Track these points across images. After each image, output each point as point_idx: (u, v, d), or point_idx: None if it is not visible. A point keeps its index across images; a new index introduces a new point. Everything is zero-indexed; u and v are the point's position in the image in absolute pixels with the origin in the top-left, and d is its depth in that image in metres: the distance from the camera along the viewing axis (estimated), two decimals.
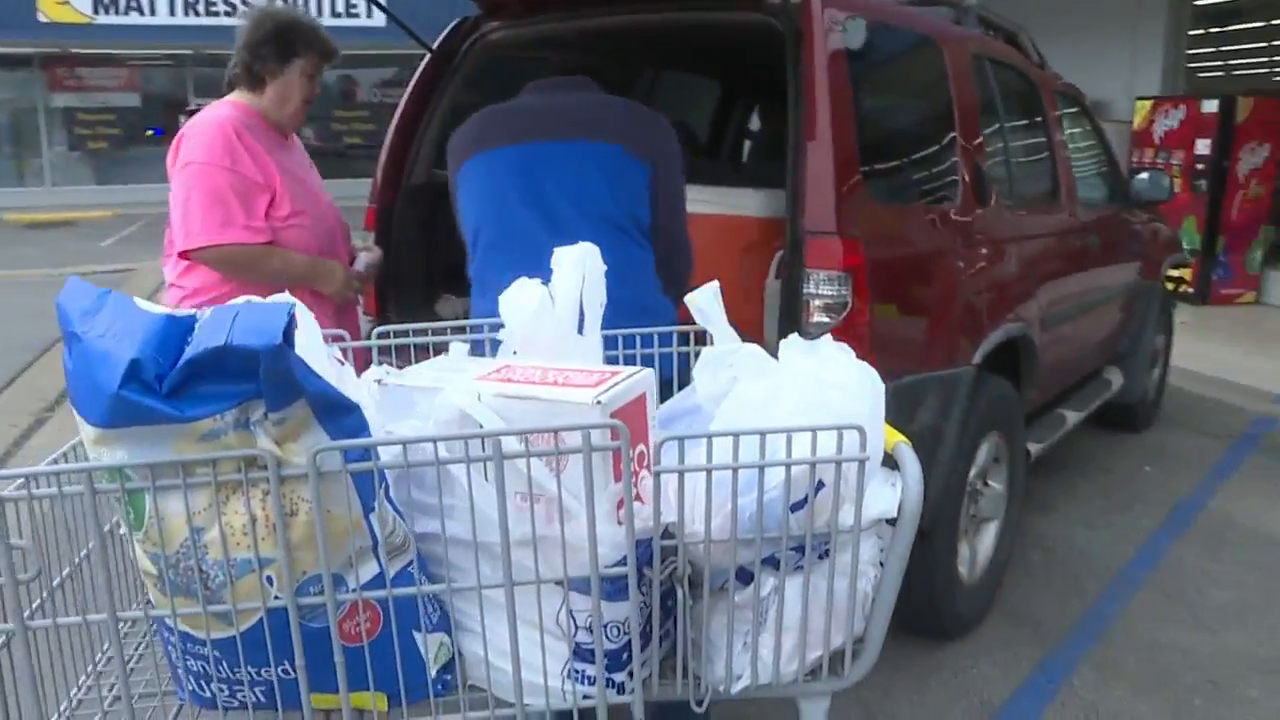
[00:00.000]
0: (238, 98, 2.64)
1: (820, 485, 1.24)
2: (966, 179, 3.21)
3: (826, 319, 2.58)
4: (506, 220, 2.40)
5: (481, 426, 1.18)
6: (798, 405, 1.33)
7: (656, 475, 1.17)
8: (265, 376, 1.01)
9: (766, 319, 3.03)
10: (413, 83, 3.35)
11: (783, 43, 2.76)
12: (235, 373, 1.02)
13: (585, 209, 2.34)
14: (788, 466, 1.21)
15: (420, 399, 1.25)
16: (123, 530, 1.17)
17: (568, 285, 1.39)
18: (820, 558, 1.28)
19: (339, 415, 1.09)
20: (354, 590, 1.12)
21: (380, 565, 1.14)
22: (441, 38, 3.35)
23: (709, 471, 1.19)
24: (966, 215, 3.19)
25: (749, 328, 2.83)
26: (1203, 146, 8.67)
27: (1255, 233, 8.86)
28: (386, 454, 1.12)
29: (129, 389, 1.00)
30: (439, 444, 1.13)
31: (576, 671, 1.23)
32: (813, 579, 1.28)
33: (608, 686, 1.20)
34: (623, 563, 1.18)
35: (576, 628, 1.22)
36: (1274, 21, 12.85)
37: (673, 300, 2.45)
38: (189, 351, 1.00)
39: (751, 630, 1.28)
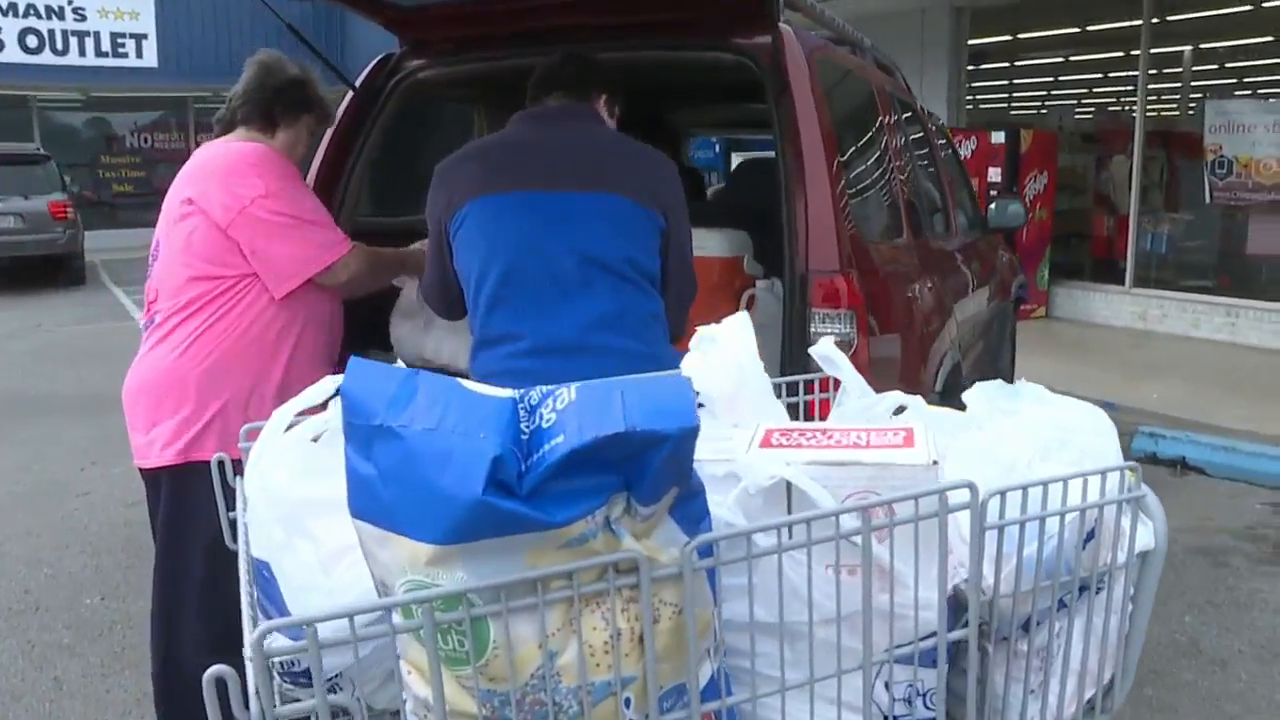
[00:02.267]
0: (246, 137, 2.50)
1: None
2: (905, 212, 3.30)
3: None
4: (512, 273, 2.23)
5: (790, 497, 1.06)
6: (1038, 450, 1.29)
7: (982, 532, 1.09)
8: (665, 465, 0.85)
9: None
10: (335, 123, 3.08)
11: (744, 80, 2.74)
12: (606, 463, 0.85)
13: (593, 262, 2.22)
14: (1082, 511, 1.17)
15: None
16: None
17: (746, 344, 1.28)
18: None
19: (689, 500, 0.94)
20: (712, 699, 0.97)
21: (713, 667, 0.99)
22: (364, 75, 3.12)
23: (1023, 524, 1.13)
24: (912, 247, 3.27)
25: None
26: (994, 174, 9.43)
27: (1042, 253, 9.71)
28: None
29: (492, 493, 0.81)
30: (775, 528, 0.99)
31: None
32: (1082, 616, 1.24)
33: None
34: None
35: (894, 700, 1.12)
36: (1016, 63, 14.28)
37: None
38: (570, 441, 0.82)
39: (1044, 676, 1.22)
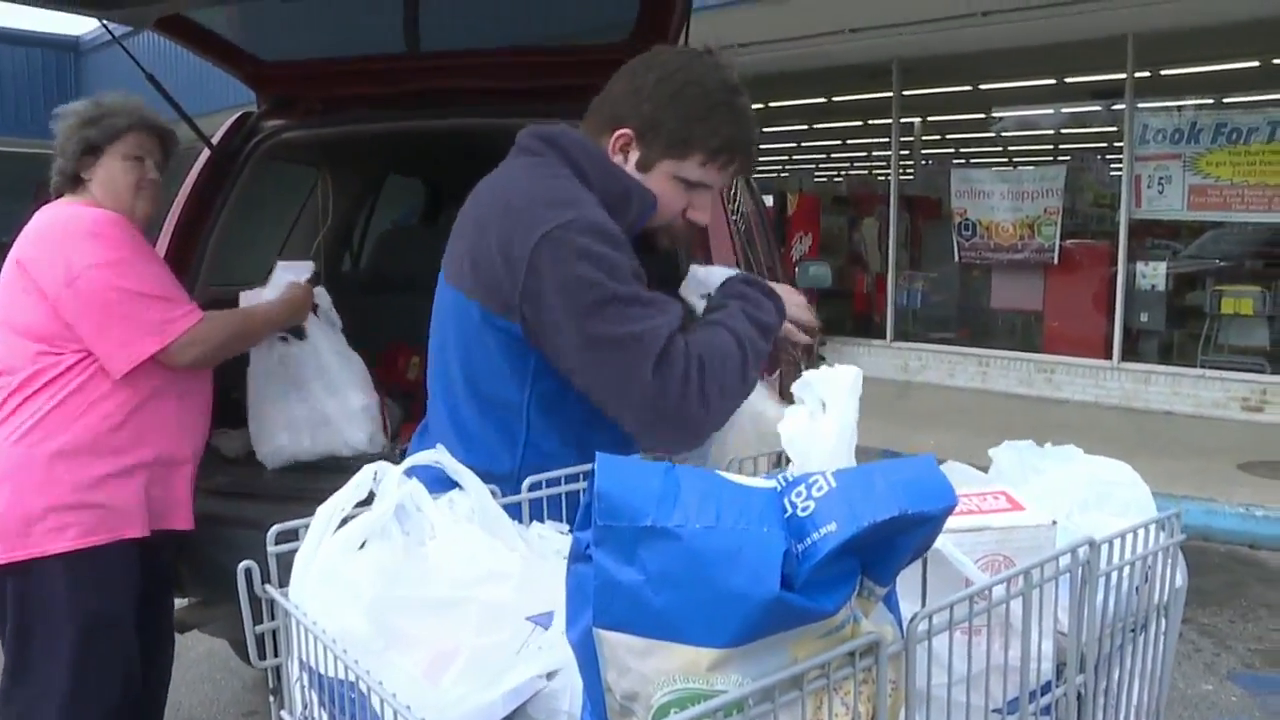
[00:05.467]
0: (73, 200, 2.33)
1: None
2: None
3: None
4: (430, 357, 1.80)
5: (925, 566, 1.09)
6: (1075, 504, 1.40)
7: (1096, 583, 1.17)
8: (919, 545, 0.87)
9: None
10: (189, 184, 2.86)
11: None
12: (858, 548, 0.85)
13: (451, 374, 1.70)
14: (1144, 558, 1.27)
15: None
16: None
17: (845, 410, 1.30)
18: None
19: None
20: None
21: None
22: (221, 133, 2.91)
23: (1107, 574, 1.22)
24: None
25: None
26: None
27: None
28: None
29: (784, 590, 0.80)
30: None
31: None
32: (1140, 653, 1.34)
33: None
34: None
35: None
36: (764, 129, 15.30)
37: None
38: (846, 528, 0.81)
39: (1116, 716, 1.31)
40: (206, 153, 2.89)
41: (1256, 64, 8.41)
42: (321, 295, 2.67)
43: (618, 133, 1.63)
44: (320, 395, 2.63)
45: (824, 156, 14.02)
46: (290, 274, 2.63)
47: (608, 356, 1.45)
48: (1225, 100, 8.31)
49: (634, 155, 1.63)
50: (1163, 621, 1.37)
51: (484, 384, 1.63)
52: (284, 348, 2.62)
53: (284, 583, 1.23)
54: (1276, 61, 8.27)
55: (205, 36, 2.75)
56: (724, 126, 1.61)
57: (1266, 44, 8.01)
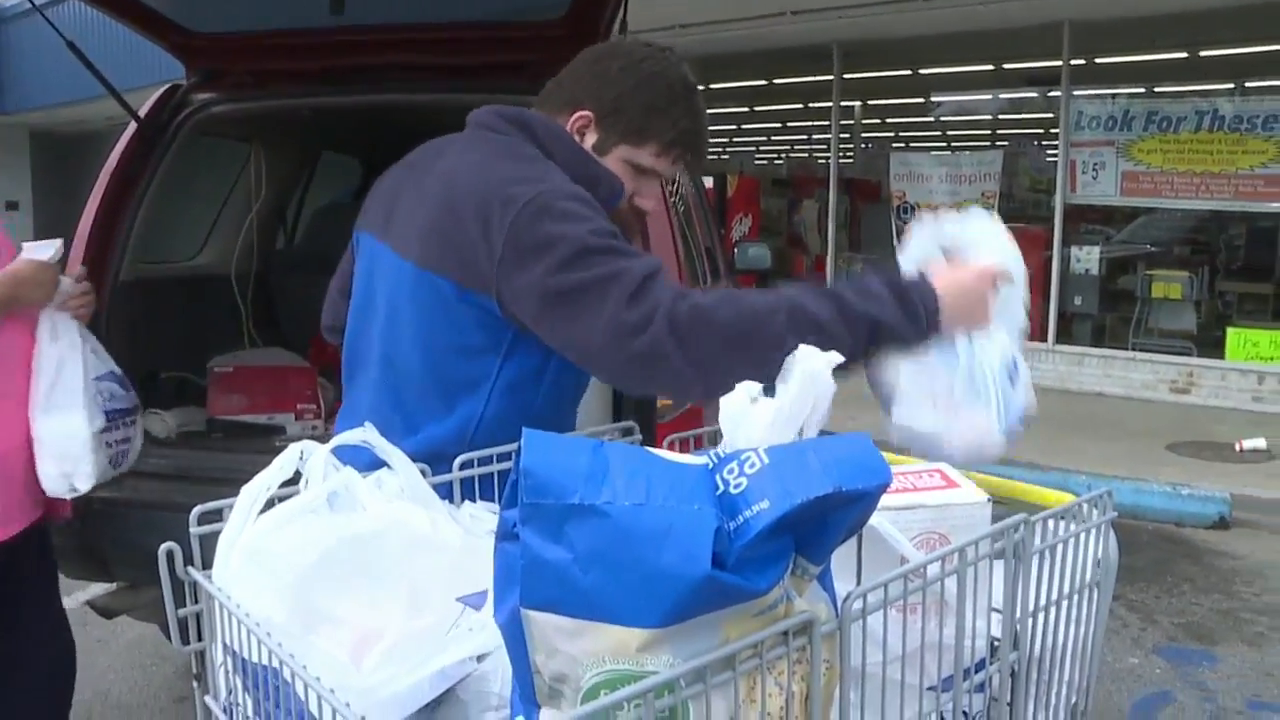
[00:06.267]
0: None
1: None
2: (707, 257, 3.45)
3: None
4: (353, 336, 1.82)
5: (860, 545, 1.09)
6: None
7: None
8: (853, 522, 0.86)
9: None
10: (115, 158, 2.76)
11: None
12: (791, 525, 0.84)
13: (399, 354, 1.67)
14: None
15: None
16: None
17: (797, 395, 1.28)
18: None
19: None
20: None
21: None
22: (148, 106, 2.82)
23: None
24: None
25: None
26: None
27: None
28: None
29: (716, 568, 0.79)
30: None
31: None
32: (1071, 630, 1.36)
33: None
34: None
35: None
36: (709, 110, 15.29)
37: None
38: (779, 506, 0.80)
39: (1047, 690, 1.32)
40: (133, 126, 2.79)
41: (1184, 55, 8.60)
42: (65, 283, 2.24)
43: (576, 114, 1.63)
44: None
45: (764, 139, 14.04)
46: (34, 253, 2.23)
47: (581, 300, 1.42)
48: (1156, 89, 8.49)
49: (590, 138, 1.63)
50: (1094, 598, 1.40)
51: (447, 362, 1.61)
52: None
53: (208, 565, 1.19)
54: (1203, 54, 8.46)
55: (128, 4, 2.66)
56: (682, 119, 1.63)
57: (1193, 36, 8.19)
